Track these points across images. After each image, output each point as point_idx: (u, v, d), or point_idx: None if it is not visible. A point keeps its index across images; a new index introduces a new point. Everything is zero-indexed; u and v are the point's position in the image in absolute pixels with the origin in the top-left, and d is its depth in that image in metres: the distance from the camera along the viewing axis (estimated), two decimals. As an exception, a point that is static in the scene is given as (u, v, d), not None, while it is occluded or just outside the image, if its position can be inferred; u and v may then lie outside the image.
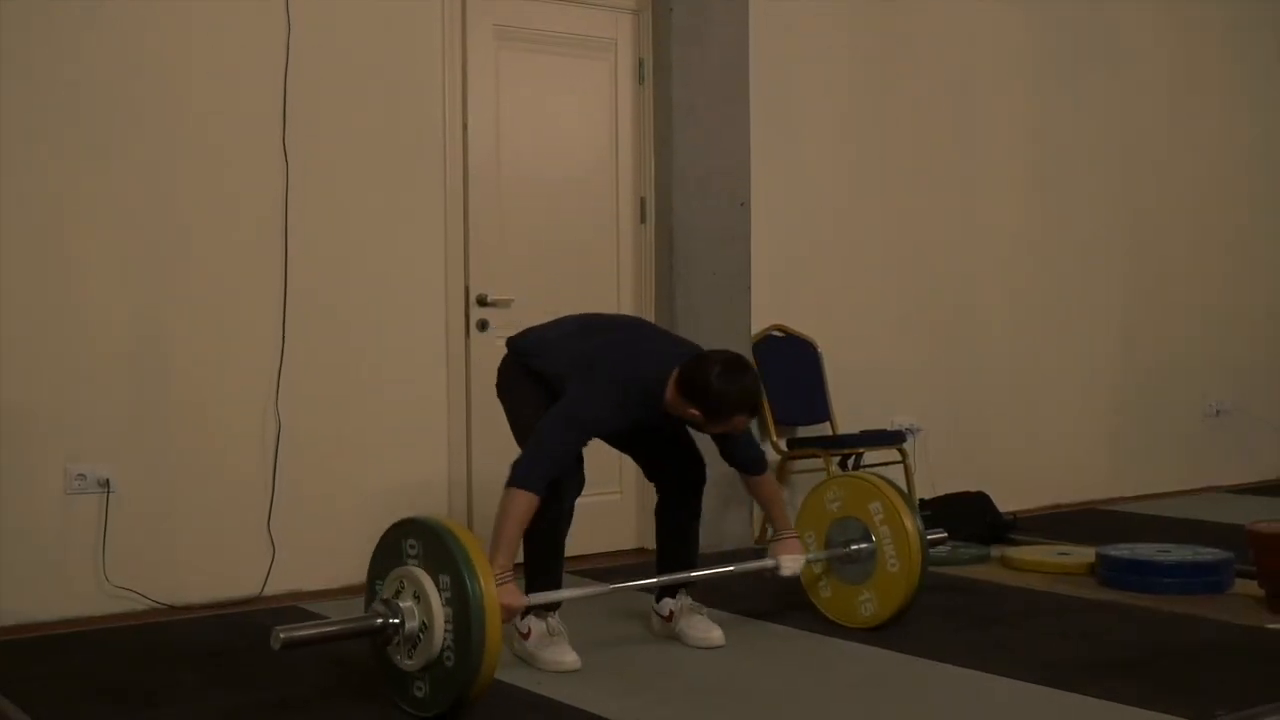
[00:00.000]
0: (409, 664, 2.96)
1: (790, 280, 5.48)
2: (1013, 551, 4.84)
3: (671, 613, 3.70)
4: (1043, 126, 6.27)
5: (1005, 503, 5.48)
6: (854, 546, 3.80)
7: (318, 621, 3.03)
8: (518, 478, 3.26)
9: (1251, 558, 4.09)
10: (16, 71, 3.93)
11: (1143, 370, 6.66)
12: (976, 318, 6.06)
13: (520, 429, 3.57)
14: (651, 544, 5.08)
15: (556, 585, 3.52)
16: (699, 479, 3.74)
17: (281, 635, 2.85)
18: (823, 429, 5.44)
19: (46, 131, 3.98)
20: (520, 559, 3.47)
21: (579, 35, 5.02)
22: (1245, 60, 7.09)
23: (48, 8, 3.97)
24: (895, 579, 3.72)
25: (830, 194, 5.60)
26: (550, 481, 3.32)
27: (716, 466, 3.78)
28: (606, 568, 4.69)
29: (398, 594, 2.97)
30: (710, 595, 3.84)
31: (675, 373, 3.38)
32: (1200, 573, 4.26)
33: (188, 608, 4.13)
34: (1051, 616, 3.96)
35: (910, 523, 3.71)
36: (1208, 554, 4.38)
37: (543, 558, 3.52)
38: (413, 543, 2.99)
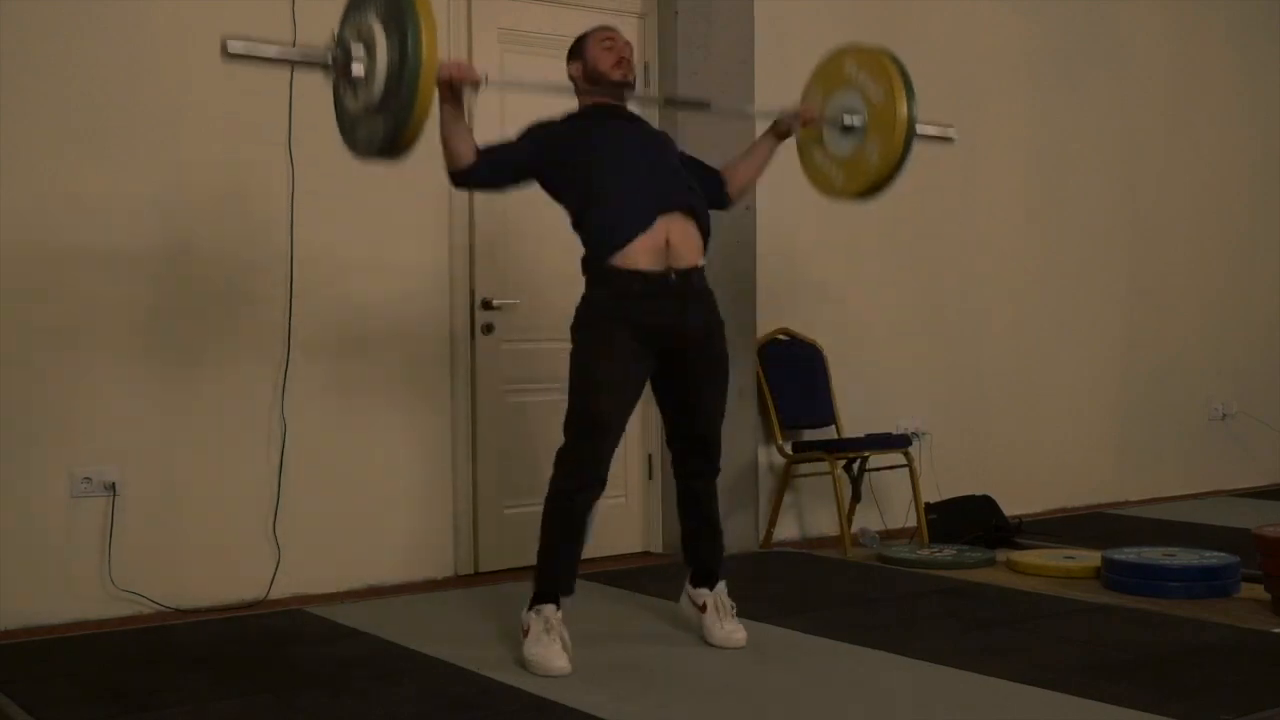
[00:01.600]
0: (354, 105, 3.14)
1: (795, 284, 5.48)
2: (1018, 555, 4.84)
3: (705, 604, 3.68)
4: (1043, 126, 6.27)
5: (1010, 506, 5.48)
6: (847, 118, 3.88)
7: (271, 46, 3.25)
8: None
9: (1258, 562, 4.09)
10: (18, 71, 3.93)
11: (1147, 373, 6.66)
12: (979, 321, 6.06)
13: None
14: (658, 547, 5.12)
15: (571, 574, 3.49)
16: (713, 467, 3.70)
17: (229, 48, 3.05)
18: (828, 432, 5.44)
19: (48, 132, 3.98)
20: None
21: (584, 39, 5.01)
22: (1246, 60, 7.09)
23: (49, 7, 3.98)
24: (885, 109, 3.80)
25: (835, 197, 5.60)
26: (577, 471, 3.41)
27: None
28: (613, 570, 4.69)
29: (353, 38, 3.12)
30: (715, 598, 3.83)
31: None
32: (1206, 577, 4.26)
33: (193, 611, 4.13)
34: (1056, 620, 3.95)
35: (885, 61, 3.85)
36: (1214, 558, 4.37)
37: (558, 543, 3.46)
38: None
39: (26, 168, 3.94)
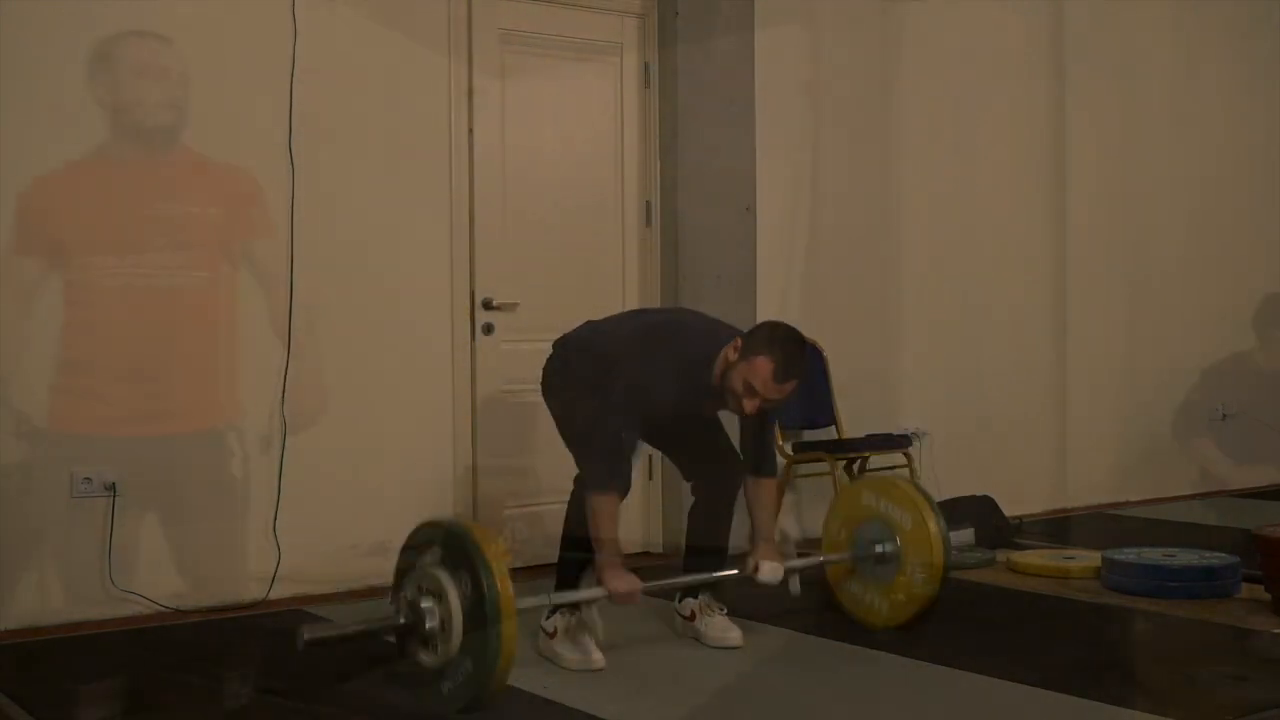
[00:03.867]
0: (430, 661, 3.01)
1: (795, 284, 5.48)
2: (1018, 555, 4.83)
3: (693, 612, 3.71)
4: (1043, 126, 6.26)
5: (1010, 506, 5.47)
6: (879, 548, 3.78)
7: (341, 623, 3.13)
8: (590, 483, 3.39)
9: (1258, 562, 4.08)
10: (20, 71, 3.92)
11: (1147, 373, 6.65)
12: (981, 321, 6.05)
13: (570, 428, 3.63)
14: (658, 547, 5.12)
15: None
16: (734, 484, 3.75)
17: (306, 635, 2.95)
18: (828, 433, 5.43)
19: (49, 132, 3.98)
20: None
21: (584, 39, 5.02)
22: (1247, 61, 7.08)
23: (51, 8, 3.97)
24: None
25: (834, 197, 5.60)
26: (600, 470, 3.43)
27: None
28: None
29: (419, 593, 3.02)
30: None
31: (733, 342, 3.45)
32: (1206, 577, 4.25)
33: (193, 611, 4.13)
34: (1057, 620, 3.95)
35: (934, 526, 3.70)
36: (1214, 558, 4.36)
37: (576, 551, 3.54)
38: (434, 543, 3.05)
39: (30, 169, 3.94)
